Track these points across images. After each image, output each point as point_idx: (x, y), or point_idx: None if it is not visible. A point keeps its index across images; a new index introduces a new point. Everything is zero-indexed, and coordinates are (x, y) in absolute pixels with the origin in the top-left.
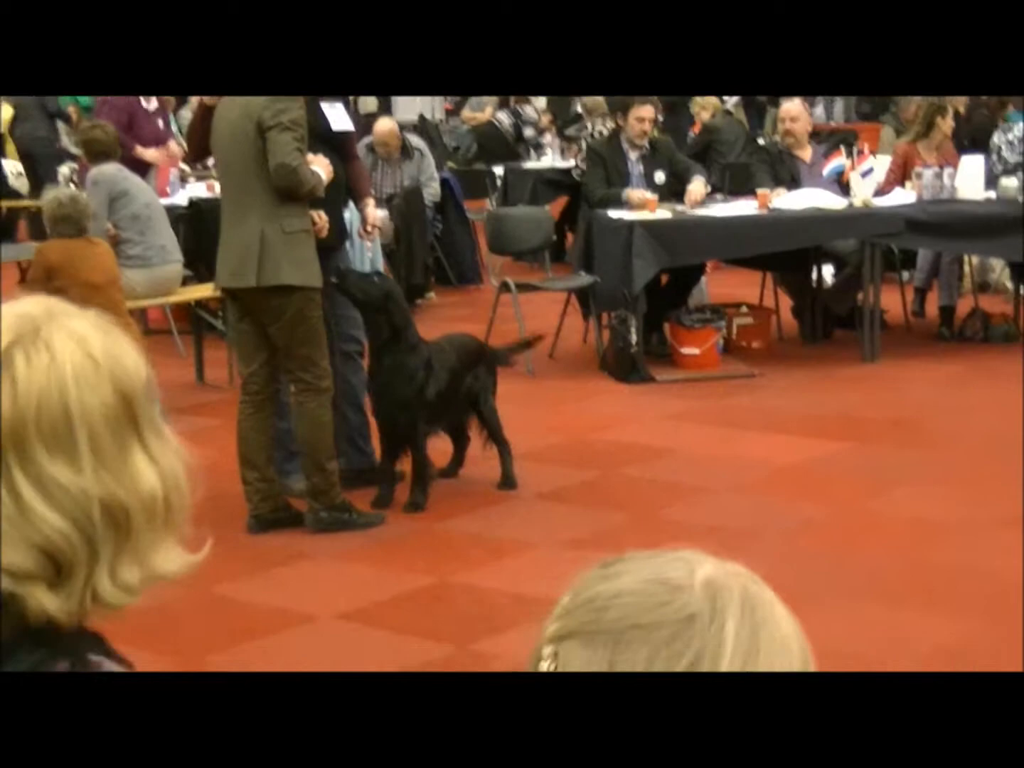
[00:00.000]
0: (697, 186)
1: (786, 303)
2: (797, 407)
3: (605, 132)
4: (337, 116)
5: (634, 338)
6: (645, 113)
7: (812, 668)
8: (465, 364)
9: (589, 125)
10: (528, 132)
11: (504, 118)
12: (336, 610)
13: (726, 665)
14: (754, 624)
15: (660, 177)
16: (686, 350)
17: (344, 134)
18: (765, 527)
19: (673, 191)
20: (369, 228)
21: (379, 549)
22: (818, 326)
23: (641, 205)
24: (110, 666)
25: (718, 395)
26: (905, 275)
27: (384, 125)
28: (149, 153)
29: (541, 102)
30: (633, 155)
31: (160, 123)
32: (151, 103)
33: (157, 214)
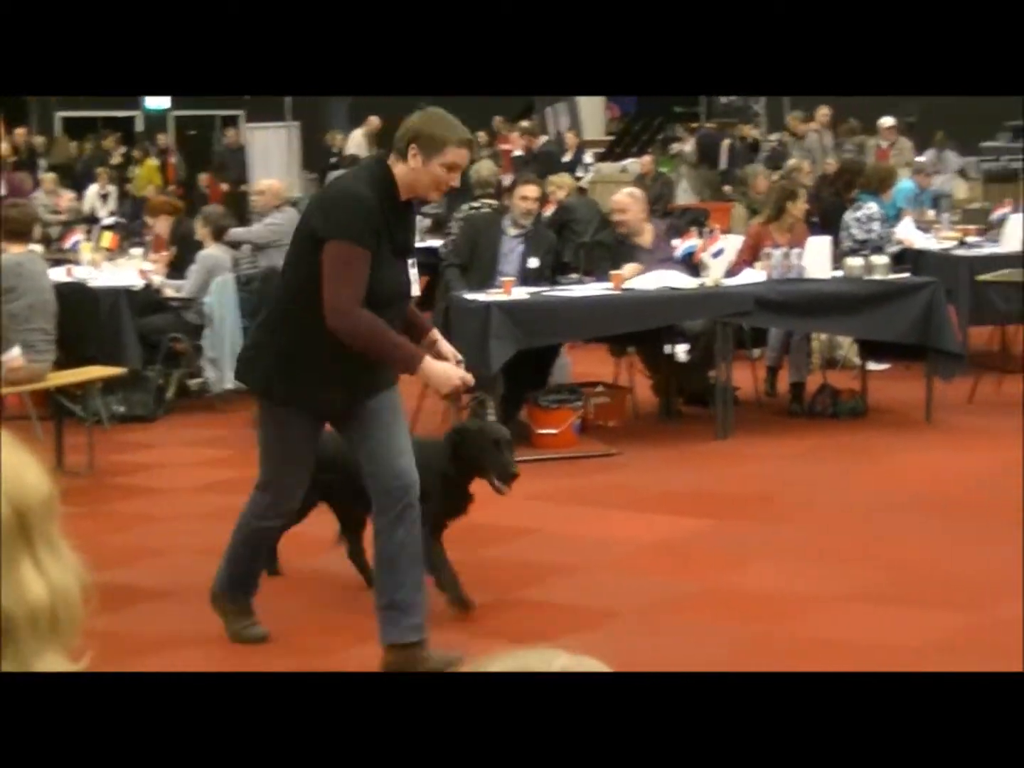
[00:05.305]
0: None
1: (641, 381)
2: (655, 485)
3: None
4: None
5: (491, 419)
6: (529, 192)
7: None
8: None
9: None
10: None
11: None
12: None
13: None
14: None
15: (534, 262)
16: (543, 430)
17: None
18: (627, 605)
19: (544, 277)
20: None
21: None
22: (673, 404)
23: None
24: None
25: (577, 474)
26: (756, 352)
27: None
28: None
29: None
30: (513, 232)
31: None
32: None
33: (45, 310)
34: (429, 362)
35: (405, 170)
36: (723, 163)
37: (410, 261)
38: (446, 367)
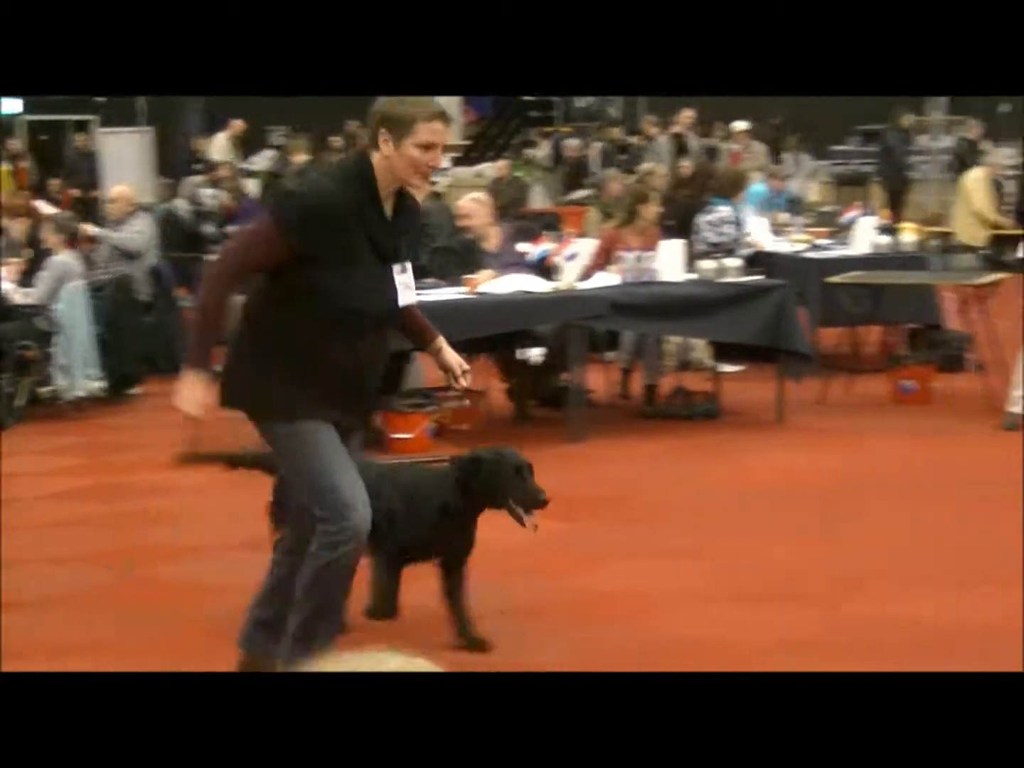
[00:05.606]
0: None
1: (495, 385)
2: None
3: None
4: None
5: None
6: None
7: None
8: None
9: None
10: (208, 228)
11: (182, 205)
12: None
13: None
14: None
15: None
16: (398, 435)
17: None
18: (482, 608)
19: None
20: None
21: None
22: (527, 407)
23: None
24: None
25: None
26: (609, 355)
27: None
28: None
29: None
30: None
31: None
32: None
33: None
34: (189, 379)
35: (380, 159)
36: (595, 166)
37: (397, 267)
38: (194, 395)
